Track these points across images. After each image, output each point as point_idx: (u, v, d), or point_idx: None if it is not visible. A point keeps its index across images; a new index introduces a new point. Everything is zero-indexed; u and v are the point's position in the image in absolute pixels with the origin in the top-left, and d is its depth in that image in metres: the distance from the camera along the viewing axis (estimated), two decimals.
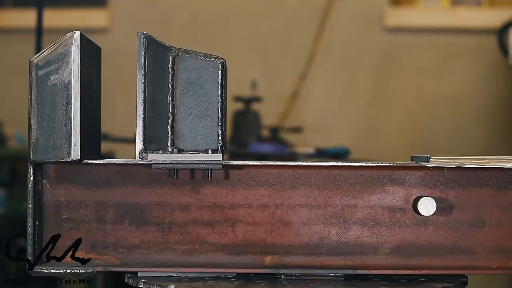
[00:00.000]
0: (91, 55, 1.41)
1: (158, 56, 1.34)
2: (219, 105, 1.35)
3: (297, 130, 3.62)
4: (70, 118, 1.32)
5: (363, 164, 1.37)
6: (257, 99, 3.28)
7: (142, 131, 1.32)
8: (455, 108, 4.02)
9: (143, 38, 1.32)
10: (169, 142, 1.35)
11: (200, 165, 1.33)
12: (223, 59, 1.36)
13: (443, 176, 1.38)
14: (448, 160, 1.37)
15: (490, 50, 3.81)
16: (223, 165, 1.34)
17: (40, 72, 1.33)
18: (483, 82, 4.00)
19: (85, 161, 1.35)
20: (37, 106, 1.33)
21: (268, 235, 1.38)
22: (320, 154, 3.02)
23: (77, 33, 1.33)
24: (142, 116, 1.32)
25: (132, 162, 1.37)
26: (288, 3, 4.12)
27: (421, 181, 1.38)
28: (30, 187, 1.35)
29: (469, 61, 4.02)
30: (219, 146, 1.35)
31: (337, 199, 1.38)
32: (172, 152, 1.34)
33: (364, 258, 1.38)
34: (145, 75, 1.32)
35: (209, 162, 1.33)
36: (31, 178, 1.35)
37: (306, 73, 4.02)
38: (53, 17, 3.68)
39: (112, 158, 1.42)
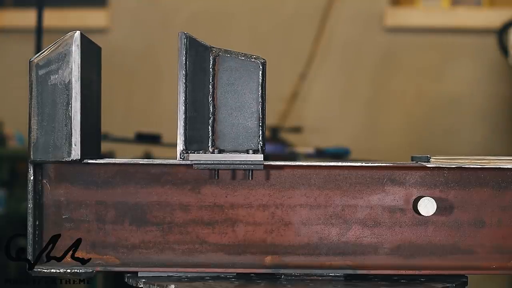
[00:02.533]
0: (91, 55, 1.41)
1: (199, 57, 1.33)
2: (260, 105, 1.35)
3: (297, 130, 3.62)
4: (70, 118, 1.32)
5: (363, 164, 1.37)
6: None
7: (183, 131, 1.31)
8: (455, 108, 4.02)
9: (184, 38, 1.31)
10: (209, 142, 1.35)
11: (242, 166, 1.33)
12: (263, 59, 1.36)
13: (443, 176, 1.38)
14: (448, 160, 1.37)
15: (490, 50, 3.81)
16: (264, 166, 1.34)
17: (41, 72, 1.33)
18: (483, 82, 4.00)
19: (85, 161, 1.35)
20: (37, 106, 1.33)
21: (268, 235, 1.38)
22: (320, 154, 3.02)
23: (78, 33, 1.33)
24: (183, 117, 1.31)
25: (132, 162, 1.37)
26: (288, 3, 4.12)
27: (421, 181, 1.38)
28: (30, 187, 1.35)
29: (469, 61, 4.02)
30: (259, 146, 1.35)
31: (337, 199, 1.38)
32: (213, 152, 1.34)
33: (364, 258, 1.38)
34: (186, 75, 1.32)
35: (250, 162, 1.32)
36: (31, 178, 1.35)
37: (306, 73, 4.02)
38: (53, 17, 3.68)
39: (112, 158, 1.42)
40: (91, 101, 1.41)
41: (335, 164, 1.37)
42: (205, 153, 1.33)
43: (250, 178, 1.35)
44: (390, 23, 4.04)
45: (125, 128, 3.28)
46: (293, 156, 3.00)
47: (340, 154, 3.04)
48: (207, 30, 4.06)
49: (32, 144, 1.33)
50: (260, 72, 1.35)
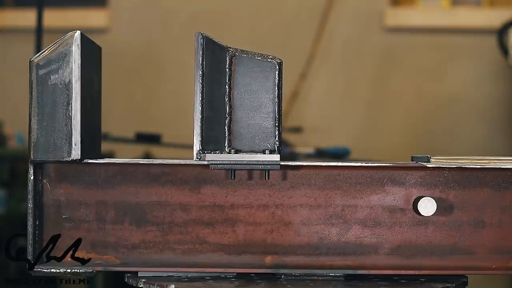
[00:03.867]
0: (91, 54, 1.41)
1: (215, 57, 1.33)
2: (276, 105, 1.35)
3: (297, 130, 3.62)
4: (70, 117, 1.32)
5: (363, 164, 1.37)
6: None
7: (200, 131, 1.31)
8: (455, 108, 4.01)
9: (201, 38, 1.32)
10: (226, 142, 1.35)
11: (258, 166, 1.33)
12: (280, 59, 1.36)
13: (443, 176, 1.38)
14: (448, 160, 1.37)
15: (490, 50, 3.81)
16: (281, 166, 1.34)
17: (41, 72, 1.33)
18: (483, 82, 4.00)
19: (85, 160, 1.35)
20: (38, 106, 1.33)
21: (268, 235, 1.38)
22: (320, 154, 3.01)
23: (78, 33, 1.33)
24: (200, 117, 1.31)
25: (132, 162, 1.37)
26: (288, 3, 4.12)
27: (421, 181, 1.38)
28: (30, 187, 1.35)
29: (469, 61, 4.02)
30: (276, 146, 1.35)
31: (337, 199, 1.38)
32: (229, 152, 1.34)
33: (364, 258, 1.38)
34: (202, 75, 1.31)
35: (267, 162, 1.32)
36: (31, 178, 1.35)
37: (306, 73, 4.02)
38: (53, 17, 3.68)
39: (112, 158, 1.42)
40: (91, 101, 1.41)
41: (335, 164, 1.37)
42: (222, 153, 1.33)
43: (267, 178, 1.35)
44: (390, 23, 4.04)
45: (125, 128, 3.28)
46: (293, 156, 3.00)
47: (340, 154, 3.04)
48: (207, 30, 4.04)
49: (32, 144, 1.33)
50: (277, 72, 1.35)
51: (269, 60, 1.35)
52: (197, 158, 1.32)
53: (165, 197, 1.37)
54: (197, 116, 1.31)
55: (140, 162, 1.36)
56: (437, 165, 1.37)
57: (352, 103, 4.08)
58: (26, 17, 3.90)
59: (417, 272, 1.37)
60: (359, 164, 1.37)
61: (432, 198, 1.35)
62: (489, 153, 1.45)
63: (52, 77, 1.33)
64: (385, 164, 1.37)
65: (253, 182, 1.37)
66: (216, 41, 1.34)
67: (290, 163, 1.35)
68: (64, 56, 1.32)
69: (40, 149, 1.33)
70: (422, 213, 1.35)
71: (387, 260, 1.38)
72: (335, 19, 4.05)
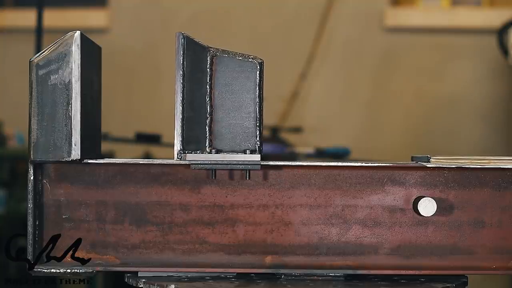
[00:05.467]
0: (91, 55, 1.41)
1: (196, 57, 1.34)
2: (257, 105, 1.35)
3: (297, 130, 3.61)
4: (70, 117, 1.32)
5: (363, 164, 1.37)
6: None
7: (180, 131, 1.31)
8: (455, 108, 4.01)
9: (181, 38, 1.32)
10: (207, 142, 1.35)
11: (239, 166, 1.33)
12: (261, 59, 1.36)
13: (443, 176, 1.38)
14: (448, 160, 1.37)
15: (490, 50, 3.81)
16: (262, 166, 1.34)
17: (41, 72, 1.33)
18: (483, 82, 4.00)
19: (85, 160, 1.35)
20: (38, 106, 1.33)
21: (268, 235, 1.38)
22: (320, 154, 3.01)
23: (78, 33, 1.33)
24: (181, 117, 1.31)
25: (132, 162, 1.37)
26: (288, 3, 4.12)
27: (421, 181, 1.38)
28: (30, 187, 1.35)
29: (469, 61, 4.02)
30: (257, 146, 1.35)
31: (337, 199, 1.38)
32: (210, 152, 1.34)
33: (364, 258, 1.38)
34: (183, 75, 1.32)
35: (247, 162, 1.32)
36: (31, 178, 1.35)
37: (306, 73, 4.02)
38: (53, 17, 3.68)
39: (112, 158, 1.42)
40: (91, 101, 1.41)
41: (335, 164, 1.37)
42: (203, 153, 1.33)
43: (247, 178, 1.35)
44: (390, 23, 4.04)
45: (125, 128, 3.28)
46: (293, 156, 3.00)
47: (340, 154, 3.04)
48: (207, 30, 4.06)
49: (32, 144, 1.33)
50: (258, 72, 1.35)
51: (250, 60, 1.35)
52: (177, 158, 1.32)
53: (165, 197, 1.37)
54: (178, 116, 1.31)
55: (140, 162, 1.36)
56: (437, 165, 1.37)
57: (352, 103, 4.08)
58: (26, 17, 3.90)
59: (417, 272, 1.37)
60: (359, 164, 1.37)
61: (432, 198, 1.35)
62: (489, 153, 1.45)
63: (52, 77, 1.33)
64: (385, 164, 1.37)
65: (253, 182, 1.37)
66: (197, 41, 1.34)
67: (271, 163, 1.35)
68: (64, 56, 1.32)
69: (40, 149, 1.33)
70: (422, 214, 1.35)
71: (387, 260, 1.38)
72: (335, 19, 4.05)
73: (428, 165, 1.37)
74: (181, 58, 1.31)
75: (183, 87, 1.32)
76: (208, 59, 1.35)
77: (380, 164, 1.37)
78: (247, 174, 1.34)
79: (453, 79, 4.02)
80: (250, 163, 1.33)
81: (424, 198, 1.35)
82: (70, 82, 1.32)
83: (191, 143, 1.33)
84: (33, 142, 1.33)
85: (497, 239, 1.38)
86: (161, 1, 4.19)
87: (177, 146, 1.32)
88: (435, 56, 4.04)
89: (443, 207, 1.38)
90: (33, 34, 2.53)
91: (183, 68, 1.31)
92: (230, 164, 1.33)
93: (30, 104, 1.33)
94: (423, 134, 4.05)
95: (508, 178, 1.38)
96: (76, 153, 1.32)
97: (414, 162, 1.39)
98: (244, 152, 1.34)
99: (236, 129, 1.35)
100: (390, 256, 1.38)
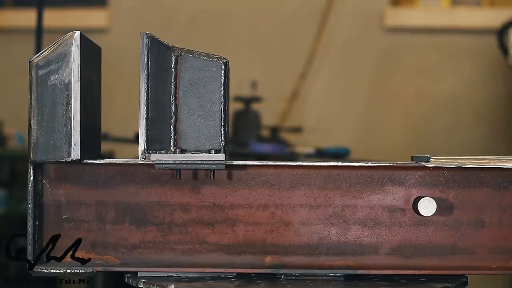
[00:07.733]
0: (91, 55, 1.41)
1: (161, 56, 1.34)
2: (222, 105, 1.35)
3: (297, 130, 3.61)
4: (70, 118, 1.32)
5: (363, 164, 1.37)
6: (257, 99, 3.28)
7: (145, 131, 1.32)
8: (455, 108, 4.01)
9: (146, 38, 1.32)
10: (171, 142, 1.35)
11: (203, 165, 1.33)
12: (225, 59, 1.35)
13: (443, 176, 1.38)
14: (448, 160, 1.37)
15: (490, 50, 3.81)
16: (226, 165, 1.34)
17: (40, 72, 1.33)
18: (483, 82, 4.00)
19: (85, 161, 1.35)
20: (37, 106, 1.33)
21: (268, 235, 1.38)
22: (320, 154, 3.01)
23: (77, 33, 1.33)
24: (145, 116, 1.32)
25: (132, 162, 1.37)
26: (288, 3, 4.12)
27: (421, 181, 1.38)
28: (30, 187, 1.35)
29: (469, 61, 4.02)
30: (221, 146, 1.35)
31: (337, 199, 1.38)
32: (174, 152, 1.34)
33: (364, 258, 1.38)
34: (148, 75, 1.32)
35: (212, 162, 1.33)
36: (31, 178, 1.35)
37: (306, 73, 4.02)
38: (53, 17, 3.68)
39: (112, 158, 1.42)
40: (91, 101, 1.41)
41: (335, 164, 1.37)
42: (167, 153, 1.33)
43: (212, 178, 1.35)
44: (390, 23, 4.04)
45: (125, 128, 3.28)
46: (293, 156, 3.00)
47: (340, 154, 3.04)
48: (207, 30, 4.06)
49: (32, 144, 1.33)
50: (222, 72, 1.35)
51: (215, 59, 1.35)
52: (142, 157, 1.32)
53: (165, 197, 1.37)
54: (142, 116, 1.32)
55: (140, 162, 1.36)
56: (437, 165, 1.37)
57: (352, 103, 4.08)
58: (26, 17, 3.90)
59: (417, 272, 1.37)
60: (359, 164, 1.37)
61: (432, 198, 1.35)
62: (488, 153, 1.45)
63: (51, 77, 1.33)
64: (385, 164, 1.37)
65: (252, 182, 1.37)
66: (162, 41, 1.34)
67: (234, 162, 1.36)
68: (64, 57, 1.32)
69: (40, 150, 1.33)
70: (422, 214, 1.35)
71: (387, 260, 1.38)
72: (335, 19, 4.05)
73: (428, 165, 1.37)
74: (146, 58, 1.32)
75: (148, 87, 1.32)
76: (173, 58, 1.35)
77: (380, 164, 1.37)
78: (212, 174, 1.34)
79: (453, 79, 4.02)
80: (214, 162, 1.33)
81: (424, 198, 1.35)
82: (70, 82, 1.32)
83: (156, 142, 1.33)
84: (33, 142, 1.33)
85: (497, 239, 1.38)
86: (161, 1, 4.19)
87: (142, 146, 1.32)
88: (435, 56, 4.04)
89: (443, 207, 1.38)
90: (33, 34, 2.53)
91: (147, 68, 1.32)
92: (194, 163, 1.33)
93: (30, 104, 1.33)
94: (423, 134, 4.05)
95: (508, 178, 1.38)
96: (76, 153, 1.32)
97: (414, 162, 1.39)
98: (209, 151, 1.34)
99: (201, 129, 1.35)
100: (390, 256, 1.38)
